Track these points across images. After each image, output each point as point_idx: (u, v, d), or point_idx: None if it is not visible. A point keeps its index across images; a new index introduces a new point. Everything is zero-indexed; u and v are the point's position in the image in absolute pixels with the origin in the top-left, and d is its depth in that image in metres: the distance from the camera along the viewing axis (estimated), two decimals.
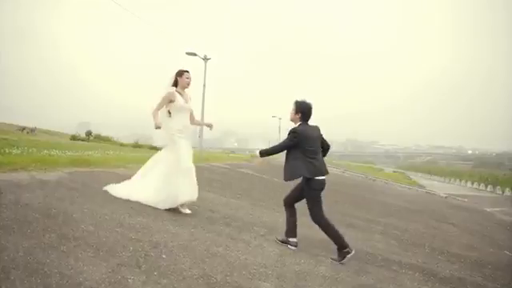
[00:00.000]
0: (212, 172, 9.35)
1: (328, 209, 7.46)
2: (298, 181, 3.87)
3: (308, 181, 3.71)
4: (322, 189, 3.80)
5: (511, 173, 38.93)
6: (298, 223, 4.01)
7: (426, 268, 4.30)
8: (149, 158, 4.61)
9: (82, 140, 29.56)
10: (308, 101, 3.88)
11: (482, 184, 33.52)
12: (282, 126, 43.42)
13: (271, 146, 4.03)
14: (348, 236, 5.13)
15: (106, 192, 4.38)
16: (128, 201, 4.15)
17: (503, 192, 29.62)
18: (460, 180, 38.02)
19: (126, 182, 4.48)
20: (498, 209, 20.89)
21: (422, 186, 28.72)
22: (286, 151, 3.84)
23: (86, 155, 7.51)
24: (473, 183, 35.06)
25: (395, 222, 7.72)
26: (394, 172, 58.54)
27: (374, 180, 25.62)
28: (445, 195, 23.03)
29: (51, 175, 4.85)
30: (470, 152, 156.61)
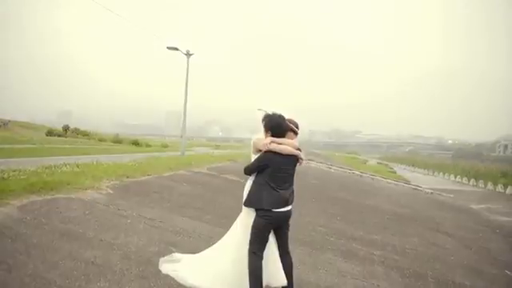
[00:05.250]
0: (194, 184, 8.62)
1: (324, 227, 7.11)
2: None
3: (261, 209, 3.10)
4: (278, 222, 3.16)
5: (492, 165, 39.56)
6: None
7: None
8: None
9: (59, 135, 28.22)
10: (277, 113, 3.26)
11: (464, 177, 33.88)
12: None
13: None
14: (349, 275, 4.60)
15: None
16: None
17: (485, 186, 29.97)
18: (443, 173, 38.43)
19: None
20: (483, 205, 20.99)
21: (407, 181, 28.75)
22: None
23: (49, 172, 6.62)
24: (456, 176, 35.44)
25: (391, 239, 7.22)
26: (379, 163, 59.12)
27: (360, 176, 25.41)
28: (430, 191, 23.05)
29: None
30: (450, 142, 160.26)
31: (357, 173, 26.58)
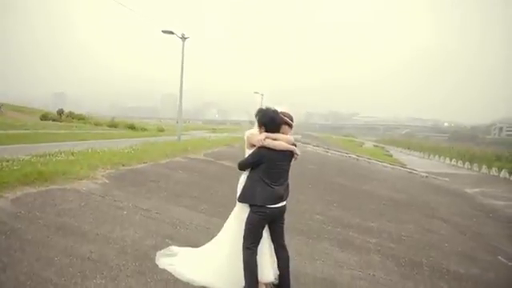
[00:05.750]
0: (190, 171, 8.58)
1: (321, 215, 7.13)
2: None
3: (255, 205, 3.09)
4: (272, 217, 3.14)
5: (487, 148, 39.81)
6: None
7: None
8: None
9: (54, 120, 27.88)
10: (271, 107, 3.20)
11: (459, 161, 34.12)
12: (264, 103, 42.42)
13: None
14: (346, 265, 4.63)
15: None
16: None
17: (480, 169, 30.22)
18: (439, 156, 38.67)
19: None
20: (477, 189, 21.22)
21: (403, 165, 28.94)
22: None
23: (44, 161, 6.53)
24: (451, 160, 35.68)
25: (387, 226, 7.27)
26: (375, 146, 59.35)
27: (357, 159, 25.54)
28: (425, 174, 23.23)
29: None
30: (446, 125, 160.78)
31: (353, 156, 26.68)
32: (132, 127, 30.76)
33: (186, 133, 29.08)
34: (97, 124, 30.64)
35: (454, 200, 14.66)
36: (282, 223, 3.30)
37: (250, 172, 3.19)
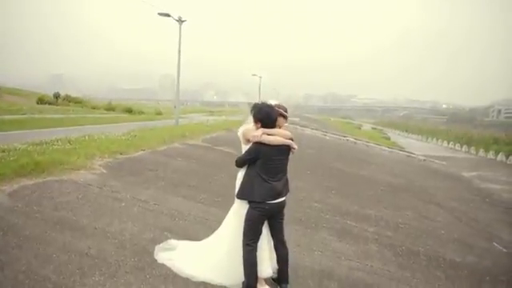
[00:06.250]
0: (188, 158, 8.54)
1: (319, 202, 7.15)
2: None
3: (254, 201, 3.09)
4: (271, 213, 3.13)
5: (485, 131, 39.86)
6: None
7: None
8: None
9: (50, 103, 27.58)
10: (265, 102, 3.20)
11: (457, 144, 34.24)
12: (262, 85, 42.05)
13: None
14: (344, 256, 4.66)
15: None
16: None
17: (477, 152, 30.37)
18: (437, 139, 38.78)
19: None
20: (474, 173, 21.37)
21: (401, 148, 29.04)
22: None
23: (40, 150, 6.46)
24: (449, 143, 35.79)
25: (385, 213, 7.32)
26: (373, 129, 59.41)
27: (355, 143, 25.58)
28: (423, 158, 23.36)
29: None
30: (444, 106, 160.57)
31: (351, 140, 26.68)
32: (129, 111, 30.53)
33: (184, 116, 28.90)
34: (94, 107, 30.39)
35: (450, 184, 14.78)
36: (282, 219, 3.29)
37: (247, 168, 3.16)
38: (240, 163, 3.16)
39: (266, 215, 3.12)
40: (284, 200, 3.21)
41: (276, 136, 3.09)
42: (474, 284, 4.73)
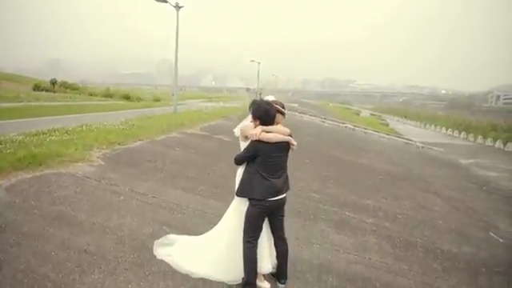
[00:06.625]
0: (187, 148, 8.51)
1: (317, 193, 7.16)
2: None
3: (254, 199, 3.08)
4: (271, 210, 3.13)
5: (483, 118, 39.86)
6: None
7: None
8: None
9: (47, 90, 27.28)
10: (264, 100, 3.20)
11: (455, 130, 34.28)
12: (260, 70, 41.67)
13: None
14: (342, 249, 4.69)
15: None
16: None
17: (475, 139, 30.44)
18: (435, 126, 38.80)
19: None
20: (472, 160, 21.47)
21: (399, 135, 29.07)
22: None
23: (38, 141, 6.40)
24: (447, 129, 35.83)
25: (383, 204, 7.36)
26: (372, 115, 59.33)
27: (353, 129, 25.57)
28: (421, 145, 23.41)
29: None
30: (443, 92, 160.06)
31: (350, 127, 26.65)
32: (127, 97, 30.29)
33: (182, 102, 28.75)
34: (91, 94, 30.11)
35: (448, 172, 14.84)
36: (282, 216, 3.29)
37: (246, 165, 3.15)
38: (239, 161, 3.15)
39: (266, 212, 3.12)
40: (284, 197, 3.20)
41: (275, 133, 3.07)
42: (470, 275, 4.79)
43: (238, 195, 3.16)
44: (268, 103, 3.12)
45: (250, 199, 3.09)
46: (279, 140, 3.07)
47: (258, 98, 3.45)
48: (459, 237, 6.33)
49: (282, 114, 3.27)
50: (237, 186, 3.19)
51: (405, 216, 6.81)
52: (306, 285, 3.55)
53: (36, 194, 4.18)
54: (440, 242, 5.75)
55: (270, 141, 3.02)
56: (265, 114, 3.06)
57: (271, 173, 3.07)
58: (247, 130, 3.11)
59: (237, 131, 3.25)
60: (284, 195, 3.19)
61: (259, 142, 3.00)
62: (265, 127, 3.05)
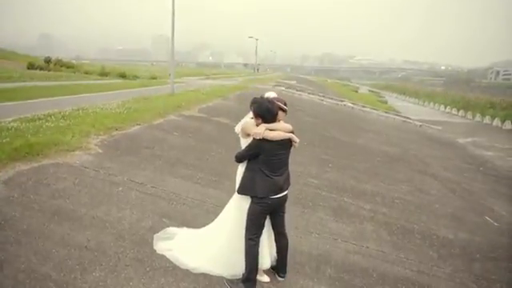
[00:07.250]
0: (185, 132, 8.45)
1: (316, 178, 7.18)
2: None
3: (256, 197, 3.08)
4: (273, 208, 3.14)
5: (482, 95, 39.67)
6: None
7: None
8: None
9: (41, 69, 26.74)
10: (265, 97, 3.12)
11: (454, 108, 34.20)
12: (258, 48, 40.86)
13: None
14: (340, 238, 4.74)
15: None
16: None
17: (473, 117, 30.41)
18: (434, 103, 38.65)
19: None
20: (469, 139, 21.55)
21: (397, 112, 28.98)
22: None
23: (34, 128, 6.31)
24: (445, 107, 35.73)
25: (381, 187, 7.42)
26: (370, 91, 58.93)
27: (352, 108, 25.48)
28: (419, 123, 23.40)
29: None
30: (443, 68, 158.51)
31: (349, 105, 26.53)
32: (123, 75, 29.78)
33: (180, 80, 28.35)
34: (87, 72, 29.57)
35: (445, 152, 14.91)
36: (283, 212, 3.30)
37: (247, 163, 3.12)
38: (240, 159, 3.11)
39: (268, 210, 3.12)
40: (286, 194, 3.20)
41: (277, 131, 3.03)
42: (465, 261, 4.87)
43: (239, 193, 3.15)
44: (269, 101, 3.05)
45: (252, 197, 3.08)
46: (282, 137, 3.04)
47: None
48: (455, 222, 6.40)
49: (284, 111, 3.21)
50: (237, 184, 3.18)
51: (402, 201, 6.87)
52: (304, 277, 3.60)
53: (34, 188, 4.16)
54: (436, 228, 5.82)
55: (274, 139, 2.98)
56: (267, 112, 3.00)
57: (274, 170, 3.05)
58: (248, 127, 3.06)
59: (237, 129, 3.20)
60: (286, 192, 3.19)
61: (262, 140, 2.96)
62: (268, 125, 3.00)
